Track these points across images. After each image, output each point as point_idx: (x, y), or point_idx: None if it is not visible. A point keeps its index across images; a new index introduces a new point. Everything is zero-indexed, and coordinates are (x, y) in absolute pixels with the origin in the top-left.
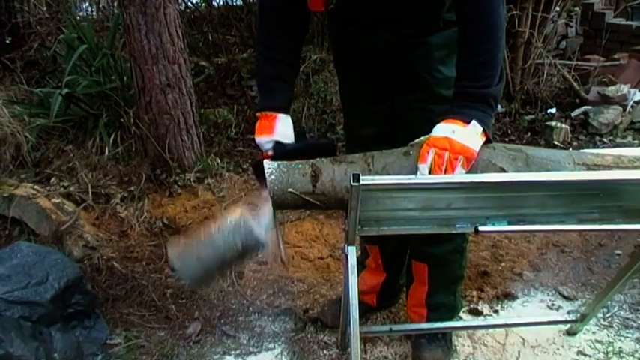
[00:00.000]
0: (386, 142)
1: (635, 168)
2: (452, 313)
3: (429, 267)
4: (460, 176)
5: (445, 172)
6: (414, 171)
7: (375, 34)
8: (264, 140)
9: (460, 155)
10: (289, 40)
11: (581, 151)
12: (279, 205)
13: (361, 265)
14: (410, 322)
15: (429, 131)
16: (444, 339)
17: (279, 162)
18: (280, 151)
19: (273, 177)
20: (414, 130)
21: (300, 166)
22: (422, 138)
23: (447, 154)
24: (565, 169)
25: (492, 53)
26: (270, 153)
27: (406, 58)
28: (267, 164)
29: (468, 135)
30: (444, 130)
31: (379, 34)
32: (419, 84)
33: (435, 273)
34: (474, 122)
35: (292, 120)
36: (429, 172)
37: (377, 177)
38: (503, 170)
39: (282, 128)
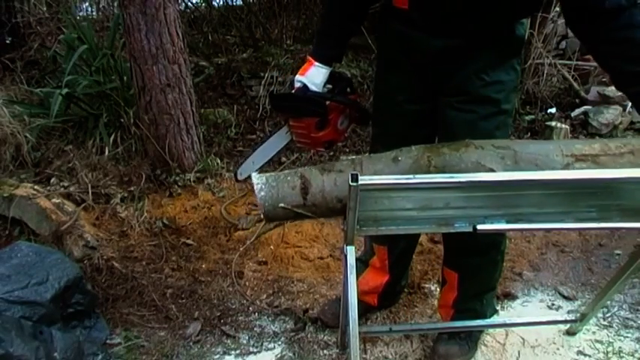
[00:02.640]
0: (410, 143)
1: (622, 154)
2: (479, 319)
3: (459, 276)
4: (458, 175)
5: None
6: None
7: (436, 39)
8: (296, 78)
9: None
10: (350, 6)
11: (569, 140)
12: (271, 218)
13: (364, 264)
14: (430, 319)
15: (471, 135)
16: (466, 338)
17: (268, 175)
18: (301, 93)
19: (263, 193)
20: (456, 131)
21: (289, 178)
22: (412, 147)
23: None
24: (554, 161)
25: None
26: (295, 88)
27: (459, 60)
28: (255, 179)
29: None
30: None
31: (439, 39)
32: (466, 85)
33: (464, 282)
34: None
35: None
36: None
37: (375, 177)
38: (492, 171)
39: (313, 75)
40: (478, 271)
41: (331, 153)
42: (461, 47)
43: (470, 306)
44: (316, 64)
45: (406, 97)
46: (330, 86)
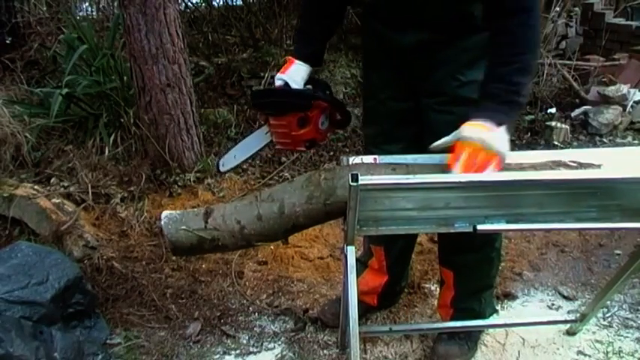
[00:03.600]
0: (399, 142)
1: (522, 168)
2: (478, 319)
3: (455, 274)
4: (458, 175)
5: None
6: (300, 197)
7: (404, 35)
8: (277, 76)
9: (493, 158)
10: (326, 7)
11: None
12: (176, 246)
13: (363, 265)
14: (430, 319)
15: (449, 132)
16: (466, 338)
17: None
18: (282, 89)
19: (166, 219)
20: (438, 132)
21: (195, 210)
22: (307, 175)
23: (480, 154)
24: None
25: (529, 63)
26: (277, 86)
27: (432, 59)
28: (164, 213)
29: (501, 138)
30: (477, 132)
31: (408, 35)
32: (443, 86)
33: (461, 280)
34: (504, 127)
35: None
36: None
37: (375, 177)
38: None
39: (293, 72)
40: (473, 269)
41: (331, 153)
42: (432, 43)
43: (468, 305)
44: (296, 62)
45: (389, 95)
46: (310, 86)
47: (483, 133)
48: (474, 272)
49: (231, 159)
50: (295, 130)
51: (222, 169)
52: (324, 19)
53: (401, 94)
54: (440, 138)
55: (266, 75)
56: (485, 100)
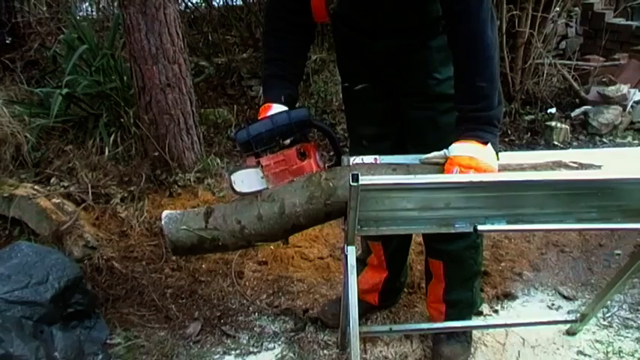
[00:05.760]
0: (386, 140)
1: (522, 169)
2: (470, 309)
3: (445, 264)
4: (458, 176)
5: None
6: (301, 197)
7: (377, 40)
8: (259, 119)
9: (483, 173)
10: (291, 42)
11: None
12: (176, 246)
13: (363, 263)
14: (429, 319)
15: (433, 129)
16: (463, 335)
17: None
18: (276, 113)
19: (167, 219)
20: (419, 128)
21: (196, 209)
22: (307, 175)
23: (471, 172)
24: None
25: (487, 73)
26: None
27: (407, 61)
28: (165, 213)
29: (489, 155)
30: (466, 149)
31: (380, 40)
32: (421, 86)
33: (450, 270)
34: (490, 144)
35: None
36: None
37: (375, 177)
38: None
39: (276, 110)
40: (461, 257)
41: (331, 153)
42: (405, 46)
43: (460, 297)
44: (274, 105)
45: (368, 97)
46: (305, 108)
47: (472, 149)
48: (463, 260)
49: (239, 185)
50: (295, 162)
51: (235, 187)
52: (295, 60)
53: (379, 94)
54: (422, 132)
55: None
56: (467, 123)
